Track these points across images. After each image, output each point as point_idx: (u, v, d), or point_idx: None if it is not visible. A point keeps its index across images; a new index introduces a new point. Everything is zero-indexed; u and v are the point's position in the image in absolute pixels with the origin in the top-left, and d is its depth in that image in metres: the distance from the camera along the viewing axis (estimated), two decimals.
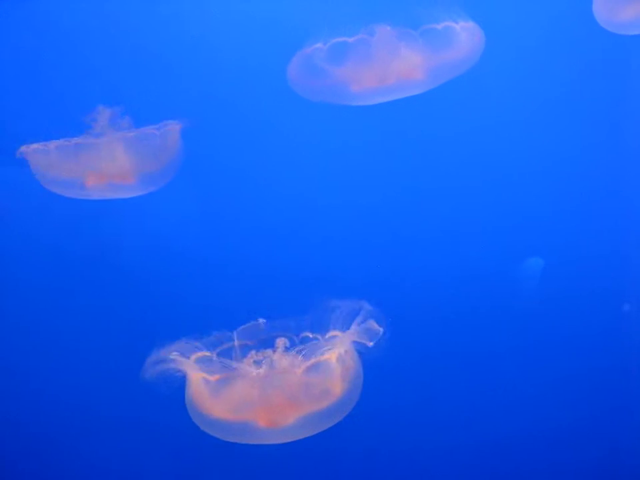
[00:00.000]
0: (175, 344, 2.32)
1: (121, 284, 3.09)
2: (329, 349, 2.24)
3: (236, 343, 2.45)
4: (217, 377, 2.23)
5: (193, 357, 2.34)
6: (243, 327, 2.48)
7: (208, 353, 2.38)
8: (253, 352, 2.34)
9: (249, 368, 2.24)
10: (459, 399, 3.18)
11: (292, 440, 2.34)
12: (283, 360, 2.27)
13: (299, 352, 2.27)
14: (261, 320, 2.47)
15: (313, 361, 2.20)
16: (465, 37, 2.64)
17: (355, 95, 2.69)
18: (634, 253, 3.23)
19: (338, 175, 3.16)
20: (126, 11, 3.08)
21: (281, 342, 2.33)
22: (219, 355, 2.39)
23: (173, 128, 2.67)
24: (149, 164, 2.69)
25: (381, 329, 2.32)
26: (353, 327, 2.37)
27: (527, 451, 3.23)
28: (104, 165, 2.63)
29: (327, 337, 2.42)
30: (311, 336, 2.47)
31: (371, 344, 2.29)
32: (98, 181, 2.69)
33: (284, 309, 2.58)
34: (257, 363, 2.29)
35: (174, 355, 2.27)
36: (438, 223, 3.19)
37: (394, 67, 2.59)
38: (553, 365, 3.20)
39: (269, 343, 2.38)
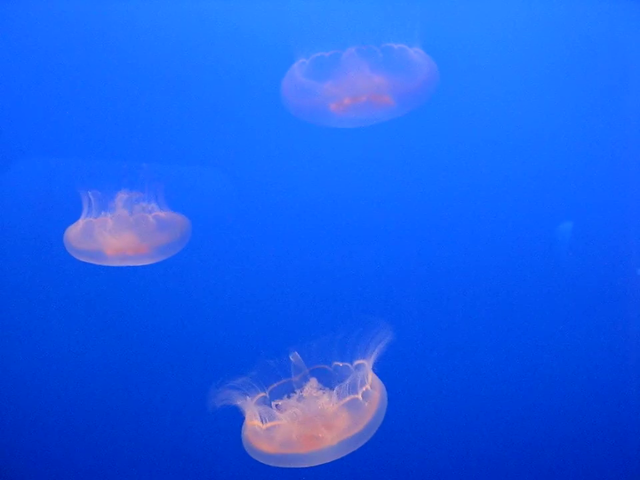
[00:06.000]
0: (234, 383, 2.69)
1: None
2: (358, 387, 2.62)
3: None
4: (267, 425, 2.60)
5: (254, 399, 2.71)
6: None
7: (264, 394, 2.76)
8: (294, 397, 2.71)
9: (291, 413, 2.60)
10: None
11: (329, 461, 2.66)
12: (319, 399, 2.65)
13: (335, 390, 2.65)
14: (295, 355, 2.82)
15: (346, 400, 2.60)
16: (423, 64, 2.91)
17: (333, 114, 2.94)
18: None
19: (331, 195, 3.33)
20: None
21: (313, 382, 2.72)
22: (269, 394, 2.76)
23: (182, 220, 3.11)
24: (162, 240, 3.08)
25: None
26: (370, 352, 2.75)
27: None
28: (119, 244, 3.04)
29: (355, 364, 2.78)
30: (341, 365, 2.82)
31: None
32: (116, 252, 3.07)
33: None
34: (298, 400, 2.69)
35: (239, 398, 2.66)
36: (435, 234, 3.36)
37: (362, 84, 2.85)
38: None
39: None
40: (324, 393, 2.71)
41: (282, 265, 3.34)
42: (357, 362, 2.82)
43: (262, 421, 2.61)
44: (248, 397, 2.75)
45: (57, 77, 3.26)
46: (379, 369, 2.83)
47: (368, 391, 2.65)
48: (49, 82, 3.27)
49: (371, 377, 2.72)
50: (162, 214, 3.09)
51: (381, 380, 2.82)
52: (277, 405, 2.68)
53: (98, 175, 3.17)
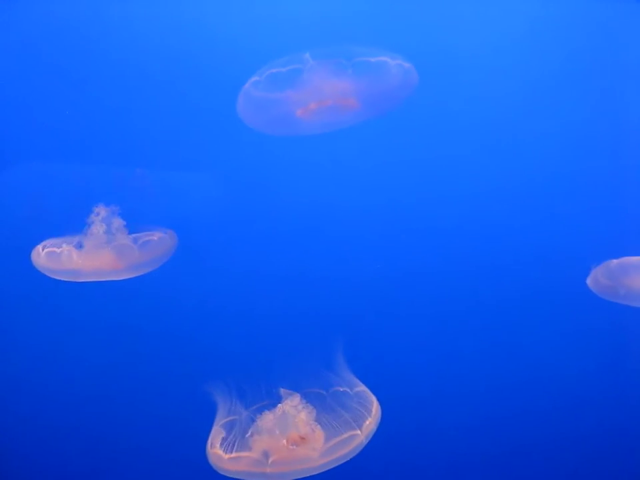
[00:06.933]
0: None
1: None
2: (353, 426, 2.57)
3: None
4: (231, 455, 2.56)
5: (224, 421, 2.69)
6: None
7: (235, 417, 2.73)
8: (274, 412, 2.64)
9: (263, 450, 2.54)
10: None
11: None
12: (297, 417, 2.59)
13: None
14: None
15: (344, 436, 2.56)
16: (395, 70, 2.82)
17: (300, 121, 2.88)
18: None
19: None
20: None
21: (295, 399, 2.65)
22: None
23: (162, 236, 3.04)
24: (141, 258, 3.02)
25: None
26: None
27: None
28: (94, 264, 2.99)
29: (354, 390, 2.75)
30: (341, 390, 2.77)
31: None
32: (91, 270, 3.02)
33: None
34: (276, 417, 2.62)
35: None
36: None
37: (327, 87, 2.78)
38: None
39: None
40: (304, 407, 2.64)
41: (271, 272, 3.28)
42: (357, 388, 2.77)
43: (227, 450, 2.59)
44: (223, 416, 2.75)
45: (31, 82, 3.21)
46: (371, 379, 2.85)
47: (369, 424, 2.61)
48: (23, 87, 3.22)
49: (375, 408, 2.67)
50: (142, 235, 3.02)
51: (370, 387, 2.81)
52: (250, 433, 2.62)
53: (78, 184, 3.18)
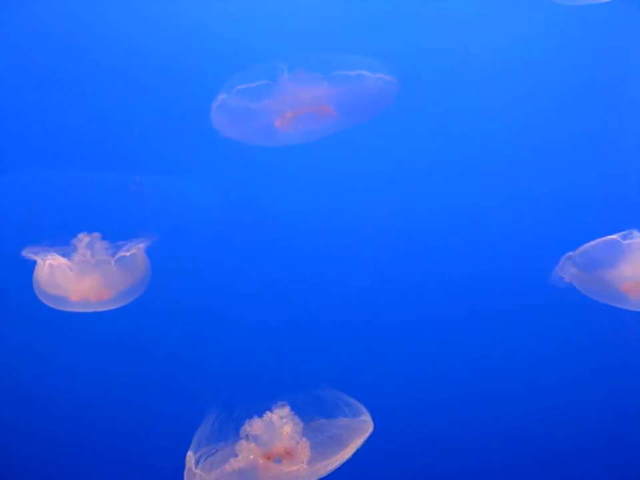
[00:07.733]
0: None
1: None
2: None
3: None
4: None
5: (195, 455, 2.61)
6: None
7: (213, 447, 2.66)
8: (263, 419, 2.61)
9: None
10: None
11: None
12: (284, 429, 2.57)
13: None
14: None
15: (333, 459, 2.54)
16: (374, 83, 2.81)
17: (278, 131, 2.86)
18: None
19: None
20: None
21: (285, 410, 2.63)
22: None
23: (140, 247, 2.97)
24: (124, 282, 2.98)
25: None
26: None
27: None
28: (81, 290, 2.94)
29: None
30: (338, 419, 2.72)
31: None
32: (79, 297, 2.98)
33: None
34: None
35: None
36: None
37: (303, 96, 2.77)
38: None
39: None
40: (291, 420, 2.61)
41: (261, 282, 3.25)
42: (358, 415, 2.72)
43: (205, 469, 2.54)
44: (208, 433, 2.70)
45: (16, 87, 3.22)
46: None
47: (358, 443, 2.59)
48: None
49: (369, 432, 2.63)
50: (126, 253, 2.96)
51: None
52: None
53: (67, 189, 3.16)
